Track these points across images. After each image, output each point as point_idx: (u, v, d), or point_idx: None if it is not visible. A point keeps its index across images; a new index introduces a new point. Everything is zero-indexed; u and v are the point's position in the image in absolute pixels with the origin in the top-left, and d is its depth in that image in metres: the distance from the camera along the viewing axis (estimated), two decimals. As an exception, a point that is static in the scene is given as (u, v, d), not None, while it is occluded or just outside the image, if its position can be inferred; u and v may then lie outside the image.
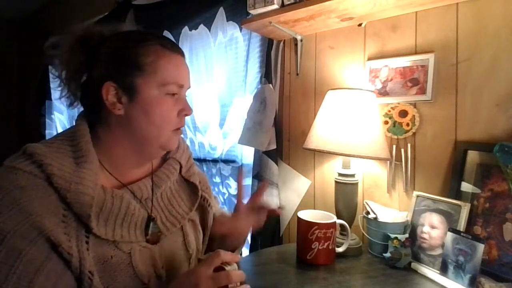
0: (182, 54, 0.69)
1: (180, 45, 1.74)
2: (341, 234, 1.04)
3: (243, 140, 1.40)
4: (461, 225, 0.84)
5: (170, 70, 0.65)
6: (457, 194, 0.92)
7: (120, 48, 0.64)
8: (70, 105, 0.69)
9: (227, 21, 1.56)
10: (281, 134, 1.40)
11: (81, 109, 0.70)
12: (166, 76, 0.64)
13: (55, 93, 2.97)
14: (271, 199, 1.34)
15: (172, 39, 1.79)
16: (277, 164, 1.35)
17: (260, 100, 1.37)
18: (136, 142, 0.66)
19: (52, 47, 0.67)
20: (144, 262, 0.62)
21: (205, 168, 1.73)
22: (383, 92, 1.10)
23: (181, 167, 0.78)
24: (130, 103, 0.63)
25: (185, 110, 0.69)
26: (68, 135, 0.64)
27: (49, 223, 0.53)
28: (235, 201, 0.74)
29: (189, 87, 0.72)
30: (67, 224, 0.56)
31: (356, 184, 1.05)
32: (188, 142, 1.76)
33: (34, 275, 0.51)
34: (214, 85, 1.66)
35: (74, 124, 0.67)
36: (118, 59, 0.63)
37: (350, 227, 0.99)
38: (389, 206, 1.08)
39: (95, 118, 0.67)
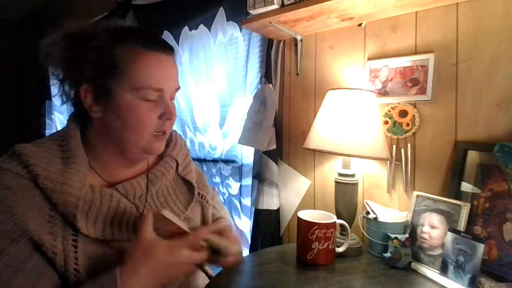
0: (165, 52, 0.63)
1: (180, 45, 1.76)
2: (341, 234, 1.04)
3: (243, 140, 1.40)
4: (461, 225, 0.84)
5: (145, 73, 0.60)
6: (457, 194, 0.92)
7: (100, 48, 0.61)
8: (63, 103, 0.68)
9: (227, 21, 1.56)
10: (281, 134, 1.39)
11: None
12: (140, 80, 0.59)
13: (55, 91, 2.98)
14: (271, 199, 1.34)
15: (172, 39, 1.79)
16: (277, 164, 1.34)
17: (260, 100, 1.37)
18: (116, 144, 0.64)
19: (47, 45, 0.64)
20: None
21: (205, 168, 1.73)
22: (383, 92, 1.10)
23: (177, 165, 0.77)
24: (106, 106, 0.61)
25: (166, 114, 0.63)
26: (59, 135, 0.64)
27: (33, 223, 0.53)
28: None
29: (177, 88, 0.66)
30: (53, 224, 0.56)
31: (356, 184, 1.05)
32: (188, 142, 1.76)
33: (14, 273, 0.51)
34: (214, 85, 1.66)
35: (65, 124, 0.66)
36: (96, 60, 0.61)
37: (350, 227, 0.99)
38: (389, 206, 1.08)
39: (85, 119, 0.66)
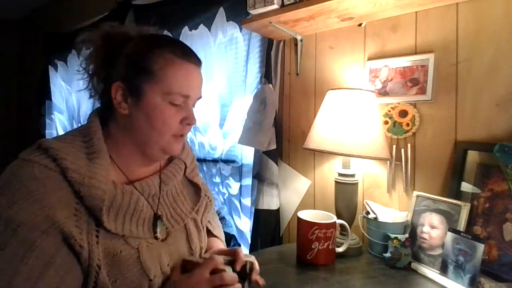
0: (196, 63, 0.69)
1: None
2: (341, 234, 1.04)
3: (243, 140, 1.40)
4: (461, 225, 0.84)
5: (177, 80, 0.65)
6: (457, 194, 0.92)
7: (136, 51, 0.66)
8: (90, 97, 0.72)
9: (227, 21, 1.56)
10: (281, 134, 1.40)
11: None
12: (172, 85, 0.64)
13: (55, 92, 2.98)
14: (271, 199, 1.34)
15: (172, 39, 1.79)
16: (277, 164, 1.34)
17: (260, 100, 1.37)
18: (138, 142, 0.68)
19: (82, 41, 0.69)
20: (151, 259, 0.64)
21: (205, 168, 1.73)
22: (383, 92, 1.10)
23: (185, 167, 0.80)
24: (135, 105, 0.65)
25: (188, 119, 0.68)
26: (81, 131, 0.66)
27: (62, 215, 0.55)
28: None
29: (200, 97, 0.71)
30: (79, 217, 0.57)
31: (356, 184, 1.05)
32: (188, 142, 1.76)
33: (45, 267, 0.52)
34: (214, 85, 1.66)
35: (86, 119, 0.69)
36: (131, 62, 0.65)
37: (350, 227, 0.99)
38: (389, 206, 1.08)
39: (109, 115, 0.69)
